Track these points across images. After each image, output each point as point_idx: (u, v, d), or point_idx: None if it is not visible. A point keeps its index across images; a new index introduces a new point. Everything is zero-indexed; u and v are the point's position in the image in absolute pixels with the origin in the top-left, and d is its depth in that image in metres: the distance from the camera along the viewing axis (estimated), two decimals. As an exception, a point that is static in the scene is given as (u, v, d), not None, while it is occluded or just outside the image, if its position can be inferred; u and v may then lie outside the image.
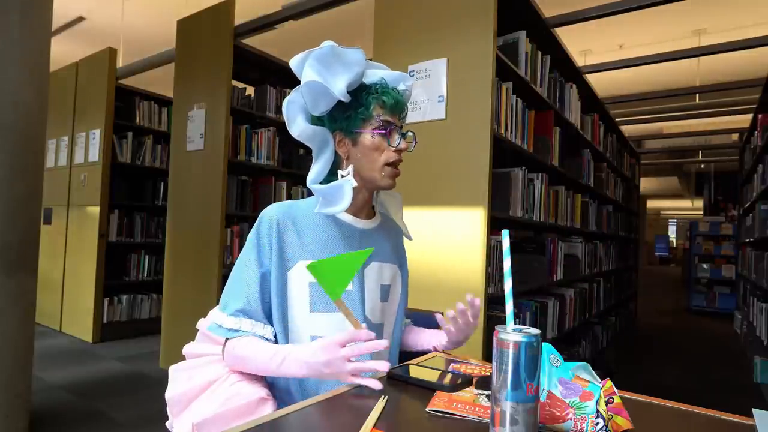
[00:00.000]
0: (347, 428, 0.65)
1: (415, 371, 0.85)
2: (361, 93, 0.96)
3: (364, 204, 1.03)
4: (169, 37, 3.67)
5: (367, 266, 1.01)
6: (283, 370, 0.82)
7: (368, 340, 0.78)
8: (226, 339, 0.91)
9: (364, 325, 0.78)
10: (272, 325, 0.93)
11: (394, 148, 0.97)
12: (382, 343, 0.78)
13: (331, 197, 0.94)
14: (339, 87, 0.91)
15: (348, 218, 1.01)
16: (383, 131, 0.96)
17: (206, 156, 3.06)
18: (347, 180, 0.94)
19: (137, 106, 4.30)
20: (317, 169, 0.97)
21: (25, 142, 2.05)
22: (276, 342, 0.93)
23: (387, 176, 0.97)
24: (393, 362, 1.03)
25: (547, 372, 0.66)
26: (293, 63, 0.94)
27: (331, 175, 0.99)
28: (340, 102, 0.94)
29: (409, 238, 1.13)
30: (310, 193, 0.99)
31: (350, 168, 0.97)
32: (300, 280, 0.94)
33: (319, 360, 0.76)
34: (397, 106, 0.98)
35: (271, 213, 0.96)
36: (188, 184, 3.19)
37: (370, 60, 1.01)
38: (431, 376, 0.83)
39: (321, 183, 0.98)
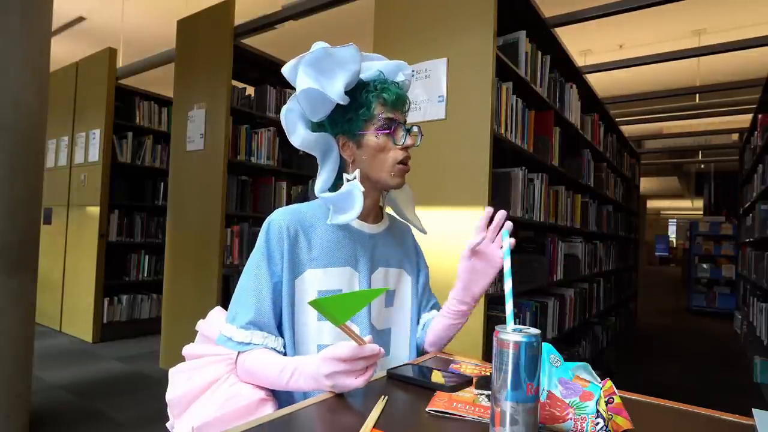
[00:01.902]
0: (347, 428, 0.65)
1: (415, 371, 0.85)
2: (360, 92, 0.92)
3: (372, 208, 1.01)
4: (169, 37, 3.67)
5: (373, 272, 0.99)
6: (292, 384, 0.80)
7: (371, 355, 0.74)
8: (238, 352, 0.88)
9: (368, 338, 0.76)
10: (283, 335, 0.91)
11: (400, 146, 0.94)
12: (380, 356, 0.76)
13: (343, 204, 0.91)
14: (336, 90, 0.88)
15: (355, 223, 0.98)
16: (387, 130, 0.93)
17: (206, 156, 3.06)
18: (355, 185, 0.90)
19: (137, 106, 4.30)
20: (324, 177, 0.94)
21: (25, 142, 2.05)
22: (286, 352, 0.90)
23: (396, 175, 0.95)
24: None
25: (547, 372, 0.66)
26: (285, 71, 0.90)
27: (339, 181, 0.96)
28: (339, 104, 0.91)
29: (424, 232, 1.09)
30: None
31: (356, 172, 0.93)
32: (308, 288, 0.91)
33: (321, 372, 0.75)
34: (399, 101, 0.94)
35: (279, 219, 0.92)
36: (188, 184, 3.19)
37: (365, 53, 0.98)
38: (431, 376, 0.83)
39: (329, 190, 0.95)
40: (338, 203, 0.92)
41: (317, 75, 0.88)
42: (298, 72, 0.89)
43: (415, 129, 0.97)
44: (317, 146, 0.94)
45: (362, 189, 0.91)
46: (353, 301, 0.73)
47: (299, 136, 0.93)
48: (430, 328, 1.06)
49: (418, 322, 1.08)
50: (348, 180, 0.93)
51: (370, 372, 0.75)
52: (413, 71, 2.03)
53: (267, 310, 0.89)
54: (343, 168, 0.97)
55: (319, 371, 0.75)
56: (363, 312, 0.94)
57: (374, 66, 0.96)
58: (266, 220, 0.93)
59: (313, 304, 0.70)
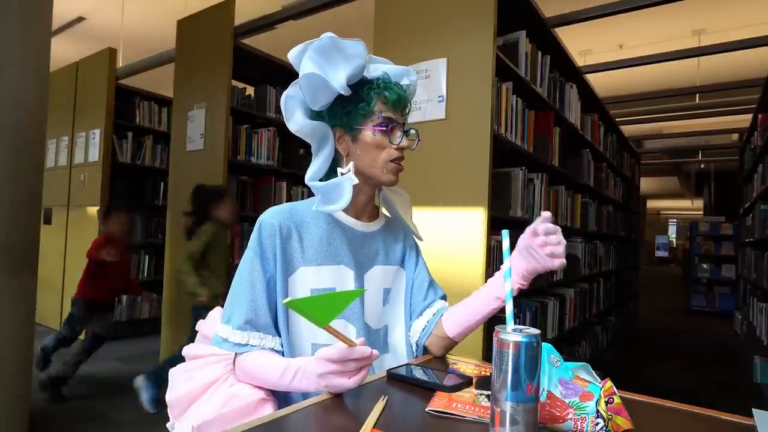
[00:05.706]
0: (347, 428, 0.65)
1: (415, 371, 0.85)
2: (362, 88, 0.92)
3: (366, 205, 1.01)
4: (169, 37, 3.67)
5: (367, 271, 0.98)
6: (295, 385, 0.80)
7: (362, 357, 0.73)
8: (236, 354, 0.87)
9: (360, 339, 0.76)
10: (280, 334, 0.90)
11: (395, 146, 0.94)
12: (372, 357, 0.75)
13: (331, 194, 0.92)
14: (339, 80, 0.88)
15: (350, 221, 0.98)
16: (384, 128, 0.93)
17: (206, 156, 3.06)
18: (347, 177, 0.91)
19: (137, 106, 4.30)
20: (316, 166, 0.94)
21: (25, 143, 2.05)
22: (282, 351, 0.90)
23: (389, 172, 0.94)
24: (403, 362, 1.00)
25: (547, 372, 0.66)
26: (291, 55, 0.91)
27: (331, 173, 0.96)
28: (340, 97, 0.91)
29: (420, 239, 1.09)
30: (310, 194, 0.97)
31: (350, 165, 0.94)
32: (301, 286, 0.91)
33: (315, 372, 0.75)
34: (400, 102, 0.95)
35: (271, 218, 0.92)
36: (188, 184, 3.17)
37: (373, 56, 0.98)
38: (431, 376, 0.83)
39: (320, 180, 0.95)
40: (327, 193, 0.92)
41: (321, 62, 0.88)
42: (303, 57, 0.89)
43: (413, 132, 0.98)
44: (314, 135, 0.94)
45: (355, 182, 0.91)
46: (332, 303, 0.72)
47: (296, 123, 0.93)
48: (464, 312, 0.99)
49: (420, 315, 1.05)
50: (342, 174, 0.93)
51: (363, 373, 0.75)
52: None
53: (263, 309, 0.88)
54: (336, 161, 0.97)
55: (314, 371, 0.75)
56: (357, 311, 0.94)
57: (381, 68, 0.96)
58: (258, 220, 0.93)
59: (289, 304, 0.68)
